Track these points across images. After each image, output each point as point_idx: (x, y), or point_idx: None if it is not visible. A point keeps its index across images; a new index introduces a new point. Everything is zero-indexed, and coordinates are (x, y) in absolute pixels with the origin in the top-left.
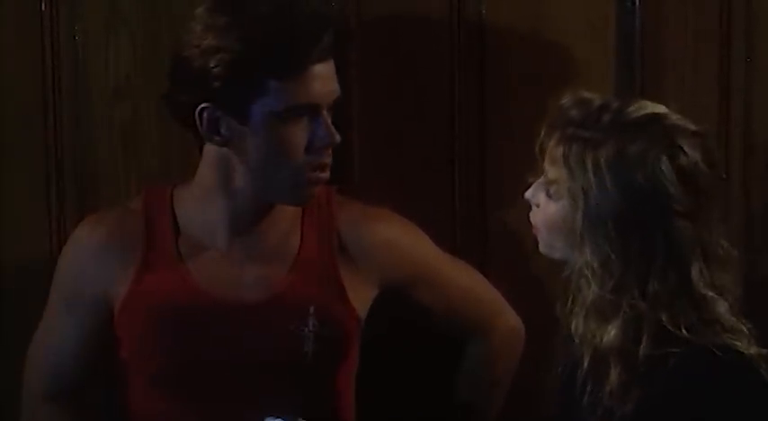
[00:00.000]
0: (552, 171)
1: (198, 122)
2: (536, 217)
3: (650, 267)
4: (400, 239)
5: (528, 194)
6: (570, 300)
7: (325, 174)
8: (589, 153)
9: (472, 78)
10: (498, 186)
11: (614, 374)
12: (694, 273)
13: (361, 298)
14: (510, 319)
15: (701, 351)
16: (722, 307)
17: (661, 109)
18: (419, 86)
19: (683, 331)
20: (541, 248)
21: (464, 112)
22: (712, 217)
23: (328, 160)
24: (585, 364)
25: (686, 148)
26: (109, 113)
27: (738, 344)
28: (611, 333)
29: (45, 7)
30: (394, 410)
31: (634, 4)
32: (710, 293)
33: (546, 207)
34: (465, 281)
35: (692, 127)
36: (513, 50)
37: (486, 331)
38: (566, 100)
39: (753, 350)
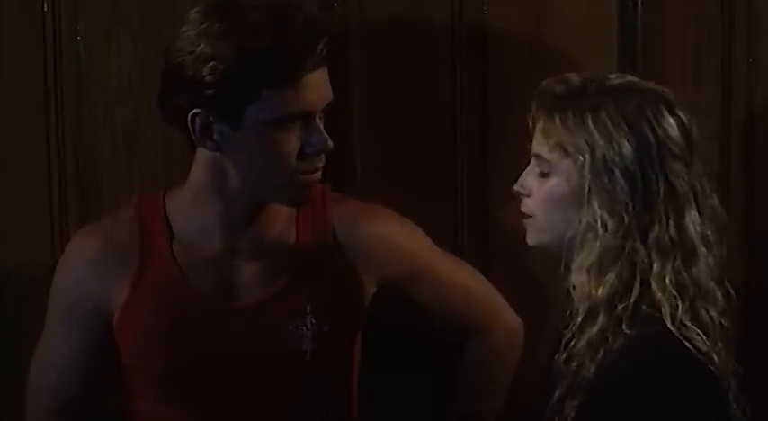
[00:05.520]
0: (549, 139)
1: (190, 128)
2: (530, 203)
3: (653, 213)
4: (396, 235)
5: (517, 186)
6: (578, 256)
7: (318, 175)
8: (587, 114)
9: (474, 79)
10: (500, 187)
11: (600, 322)
12: (688, 219)
13: (359, 295)
14: (509, 318)
15: (647, 341)
16: (703, 263)
17: (637, 78)
18: (421, 88)
19: (667, 282)
20: (531, 238)
21: (466, 113)
22: (703, 172)
23: (320, 165)
24: (579, 319)
25: (677, 103)
26: (111, 114)
27: (696, 337)
28: (608, 284)
29: (47, 8)
30: (394, 410)
31: (635, 4)
32: (700, 245)
33: (541, 187)
34: (463, 278)
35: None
36: (514, 51)
37: (485, 330)
38: (546, 82)
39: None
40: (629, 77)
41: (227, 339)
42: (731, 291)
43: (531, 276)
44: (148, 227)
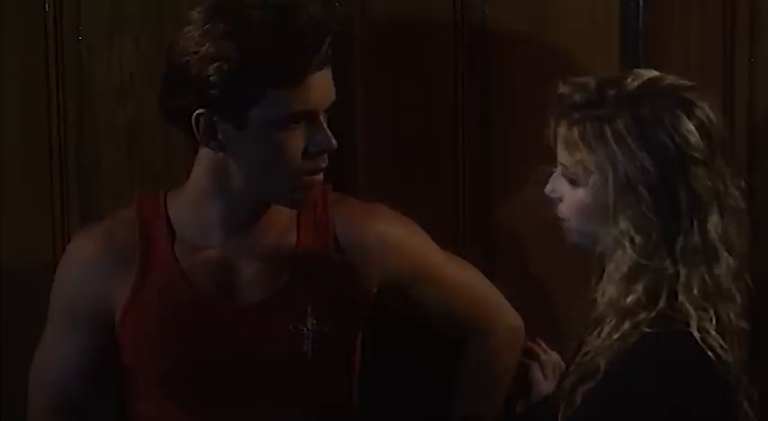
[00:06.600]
0: (572, 155)
1: (194, 127)
2: (563, 209)
3: (678, 223)
4: (397, 236)
5: (548, 190)
6: (607, 267)
7: (320, 178)
8: (606, 127)
9: (476, 78)
10: (503, 187)
11: (623, 329)
12: (710, 224)
13: (360, 295)
14: (509, 318)
15: (662, 338)
16: (724, 266)
17: (654, 73)
18: (423, 87)
19: (695, 293)
20: (572, 238)
21: (468, 112)
22: (724, 165)
23: (324, 165)
24: (607, 328)
25: (695, 101)
26: (112, 114)
27: (716, 344)
28: (636, 294)
29: (49, 7)
30: (394, 410)
31: (638, 4)
32: (722, 248)
33: (571, 195)
34: (464, 278)
35: (689, 82)
36: (516, 51)
37: (486, 330)
38: (562, 88)
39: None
40: (646, 76)
41: (228, 339)
42: (749, 283)
43: (534, 276)
44: (149, 227)
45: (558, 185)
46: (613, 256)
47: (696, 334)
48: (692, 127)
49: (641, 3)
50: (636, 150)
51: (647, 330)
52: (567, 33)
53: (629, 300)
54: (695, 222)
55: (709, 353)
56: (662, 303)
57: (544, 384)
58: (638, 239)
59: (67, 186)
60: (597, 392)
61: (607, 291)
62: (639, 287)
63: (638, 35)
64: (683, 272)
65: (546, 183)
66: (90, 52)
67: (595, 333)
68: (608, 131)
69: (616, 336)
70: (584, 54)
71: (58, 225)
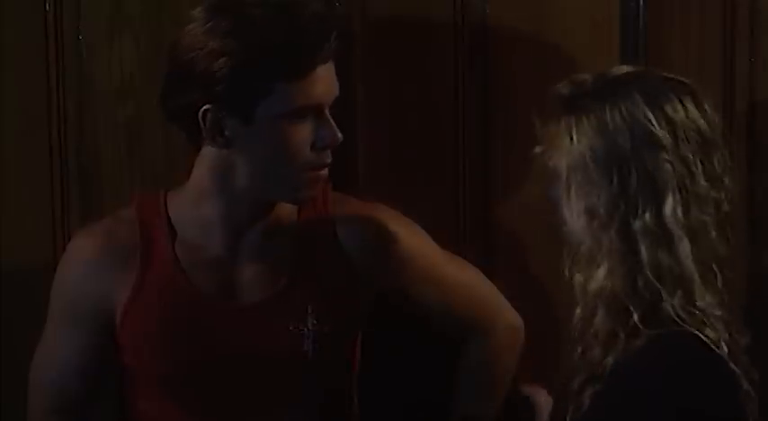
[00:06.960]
0: (546, 148)
1: (201, 124)
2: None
3: (630, 204)
4: (397, 235)
5: (548, 196)
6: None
7: (325, 172)
8: (572, 118)
9: (476, 76)
10: (503, 187)
11: (600, 315)
12: (667, 207)
13: (360, 295)
14: (509, 317)
15: (667, 342)
16: (686, 249)
17: (642, 69)
18: (424, 87)
19: (664, 272)
20: (569, 239)
21: (468, 111)
22: (692, 154)
23: (329, 160)
24: (579, 311)
25: (665, 92)
26: (113, 113)
27: (703, 325)
28: (599, 277)
29: (49, 7)
30: (394, 410)
31: (638, 4)
32: (681, 232)
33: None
34: (464, 278)
35: (670, 75)
36: (516, 51)
37: (486, 329)
38: (559, 85)
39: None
40: (629, 68)
41: (228, 339)
42: (718, 273)
43: (533, 276)
44: (149, 227)
45: (554, 188)
46: (575, 239)
47: (683, 314)
48: (650, 114)
49: (641, 3)
50: (591, 135)
51: (650, 332)
52: (566, 33)
53: (593, 284)
54: (650, 204)
55: (706, 340)
56: (626, 285)
57: (547, 405)
58: (586, 218)
59: (67, 186)
60: (605, 394)
61: (576, 276)
62: (603, 270)
63: (638, 35)
64: (646, 253)
65: (542, 169)
66: (90, 52)
67: (577, 324)
68: (572, 120)
69: (600, 326)
70: (584, 54)
71: (58, 225)
